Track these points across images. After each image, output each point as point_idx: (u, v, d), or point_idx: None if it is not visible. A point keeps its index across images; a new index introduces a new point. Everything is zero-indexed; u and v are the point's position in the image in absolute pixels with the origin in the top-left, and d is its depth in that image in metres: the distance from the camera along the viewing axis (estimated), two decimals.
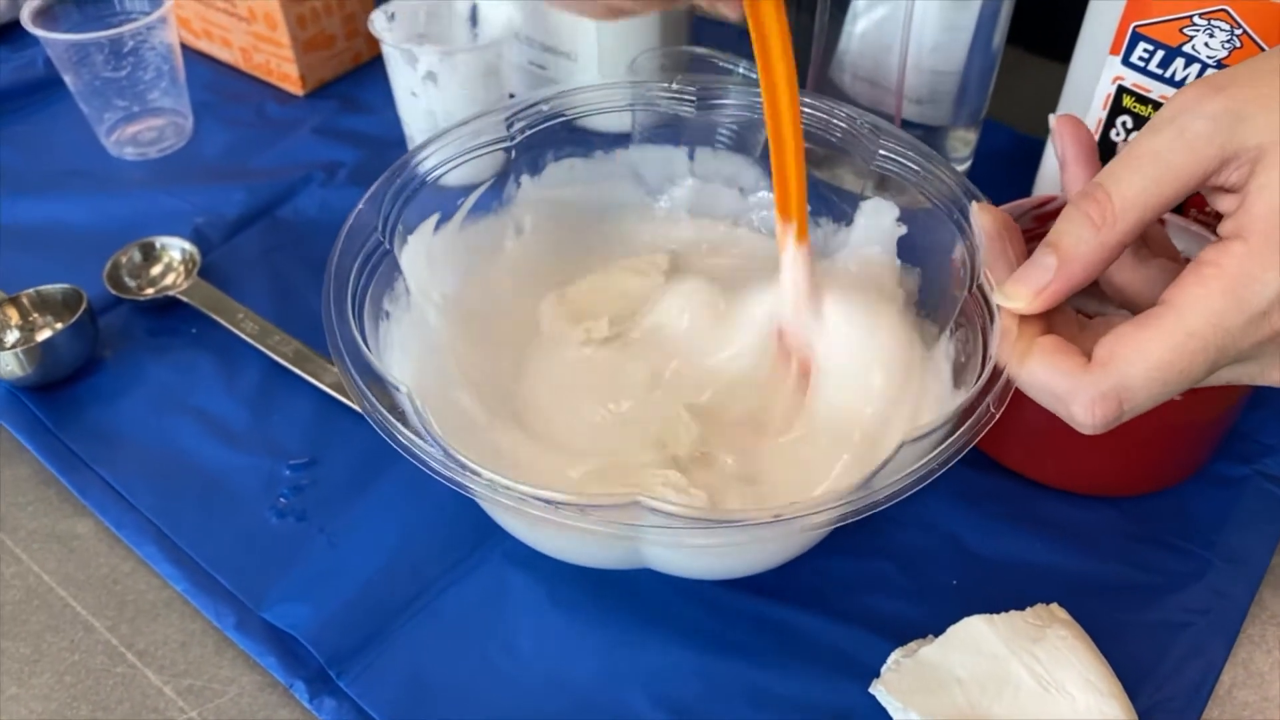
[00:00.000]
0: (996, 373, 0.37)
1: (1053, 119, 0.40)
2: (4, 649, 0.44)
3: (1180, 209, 0.55)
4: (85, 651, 0.44)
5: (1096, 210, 0.33)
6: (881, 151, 0.48)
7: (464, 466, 0.36)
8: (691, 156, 0.55)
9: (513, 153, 0.51)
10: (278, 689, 0.43)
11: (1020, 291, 0.36)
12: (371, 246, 0.45)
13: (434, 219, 0.49)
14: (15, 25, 0.78)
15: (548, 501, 0.35)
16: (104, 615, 0.45)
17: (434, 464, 0.36)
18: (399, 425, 0.37)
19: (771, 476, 0.44)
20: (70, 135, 0.71)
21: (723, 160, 0.55)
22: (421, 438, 0.37)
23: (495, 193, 0.52)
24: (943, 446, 0.35)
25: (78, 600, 0.46)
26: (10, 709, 0.42)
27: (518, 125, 0.51)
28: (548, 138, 0.52)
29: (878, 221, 0.50)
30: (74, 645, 0.44)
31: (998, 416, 0.36)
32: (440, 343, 0.48)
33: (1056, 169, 0.59)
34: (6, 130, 0.72)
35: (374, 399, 0.38)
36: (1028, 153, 0.61)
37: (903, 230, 0.49)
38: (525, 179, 0.52)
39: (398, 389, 0.38)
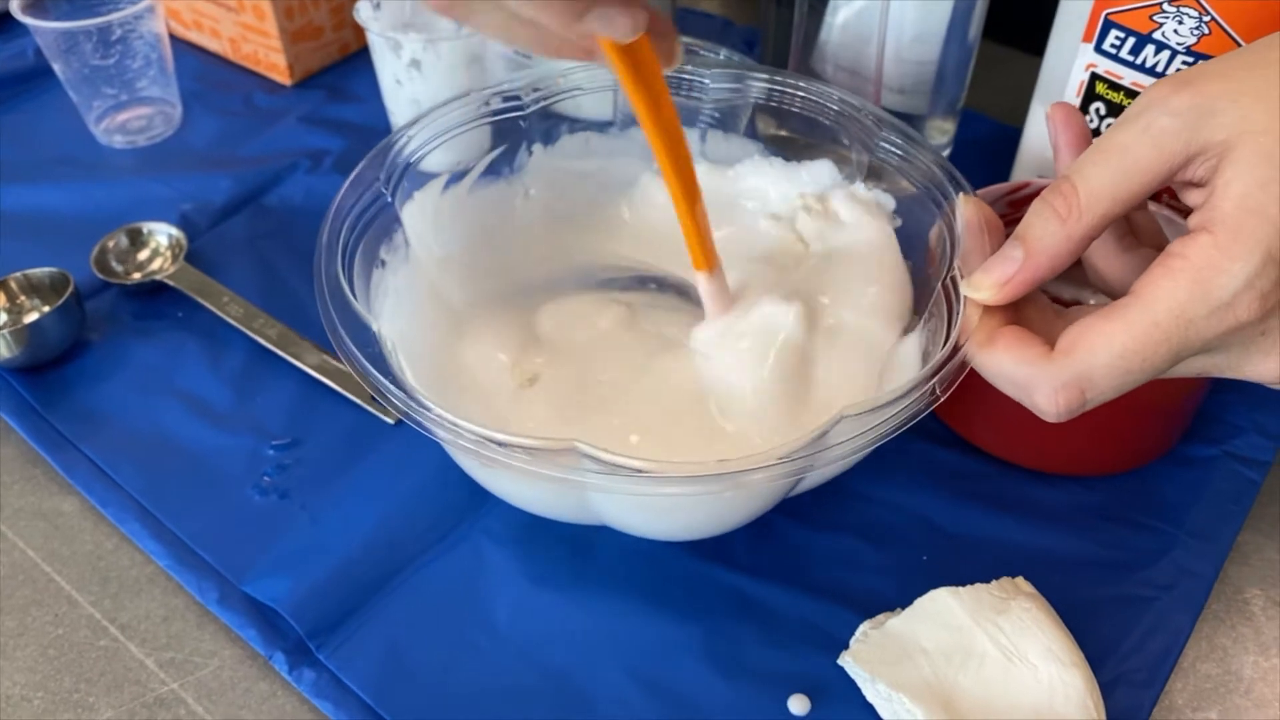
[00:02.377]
0: (948, 357, 0.37)
1: (1049, 107, 0.40)
2: None
3: (1155, 195, 0.56)
4: (69, 625, 0.45)
5: (1063, 204, 0.34)
6: (881, 142, 0.49)
7: (419, 403, 0.37)
8: (703, 139, 0.56)
9: (525, 122, 0.52)
10: (258, 661, 0.44)
11: (986, 282, 0.36)
12: (373, 196, 0.46)
13: (444, 178, 0.50)
14: (5, 16, 0.79)
15: (493, 441, 0.36)
16: (88, 590, 0.46)
17: (386, 393, 0.37)
18: (359, 355, 0.38)
19: None
20: (60, 124, 0.72)
21: (733, 144, 0.56)
22: (388, 375, 0.38)
23: (507, 158, 0.53)
24: (882, 420, 0.36)
25: (62, 575, 0.47)
26: None
27: (532, 95, 0.51)
28: (563, 111, 0.53)
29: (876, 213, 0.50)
30: (58, 619, 0.45)
31: (942, 399, 0.37)
32: (435, 296, 0.49)
33: (1033, 156, 0.60)
34: None
35: (343, 330, 0.39)
36: (1006, 141, 0.61)
37: (898, 223, 0.50)
38: (538, 148, 0.53)
39: (368, 327, 0.40)
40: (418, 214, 0.49)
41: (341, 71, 0.77)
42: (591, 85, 0.53)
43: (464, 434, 0.36)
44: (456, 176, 0.50)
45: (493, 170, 0.52)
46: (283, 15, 0.73)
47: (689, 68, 0.53)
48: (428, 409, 0.37)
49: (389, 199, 0.46)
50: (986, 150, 0.65)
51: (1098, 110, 0.55)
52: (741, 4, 0.86)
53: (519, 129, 0.51)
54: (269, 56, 0.75)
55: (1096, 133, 0.56)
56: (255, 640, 0.44)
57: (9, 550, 0.48)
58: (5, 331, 0.52)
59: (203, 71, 0.77)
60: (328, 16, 0.76)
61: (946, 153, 0.66)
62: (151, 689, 0.43)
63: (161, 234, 0.61)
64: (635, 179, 0.55)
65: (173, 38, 0.73)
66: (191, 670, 0.43)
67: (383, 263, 0.47)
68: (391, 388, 0.38)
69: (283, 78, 0.76)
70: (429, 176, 0.49)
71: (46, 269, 0.57)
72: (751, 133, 0.57)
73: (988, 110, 0.70)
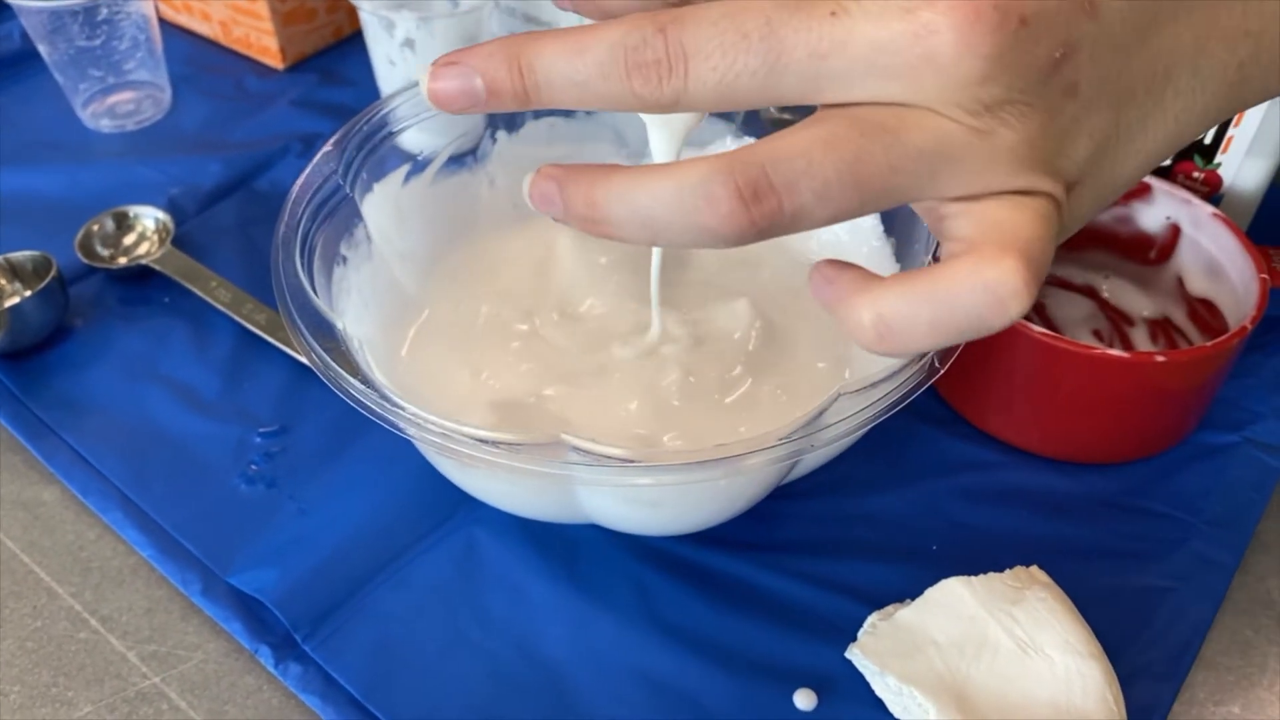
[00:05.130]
0: None
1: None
2: None
3: (1168, 174, 0.54)
4: (48, 618, 0.43)
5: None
6: None
7: (391, 402, 0.35)
8: None
9: None
10: (243, 655, 0.42)
11: None
12: (330, 190, 0.44)
13: (404, 170, 0.48)
14: None
15: (474, 439, 0.34)
16: (68, 582, 0.45)
17: (358, 395, 0.36)
18: (325, 355, 0.37)
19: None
20: (46, 108, 0.70)
21: (702, 126, 0.54)
22: (357, 375, 0.37)
23: (470, 148, 0.51)
24: (882, 396, 0.35)
25: (41, 566, 0.45)
26: None
27: None
28: None
29: None
30: (37, 611, 0.44)
31: (942, 371, 0.35)
32: (401, 291, 0.47)
33: None
34: None
35: (307, 332, 0.38)
36: None
37: None
38: (502, 135, 0.52)
39: (334, 326, 0.38)
40: (378, 207, 0.47)
41: (335, 55, 0.76)
42: None
43: (455, 437, 0.35)
44: (418, 167, 0.49)
45: (455, 159, 0.50)
46: None
47: None
48: (402, 408, 0.36)
49: (348, 191, 0.45)
50: None
51: None
52: None
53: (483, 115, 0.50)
54: (260, 40, 0.74)
55: None
56: (240, 633, 0.42)
57: None
58: None
59: (193, 55, 0.76)
60: None
61: None
62: (133, 683, 0.41)
63: (148, 218, 0.60)
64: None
65: (162, 22, 0.71)
66: (174, 664, 0.42)
67: (344, 259, 0.45)
68: (367, 391, 0.36)
69: (275, 61, 0.74)
70: (390, 167, 0.47)
71: (28, 252, 0.55)
72: (754, 113, 0.55)
73: None
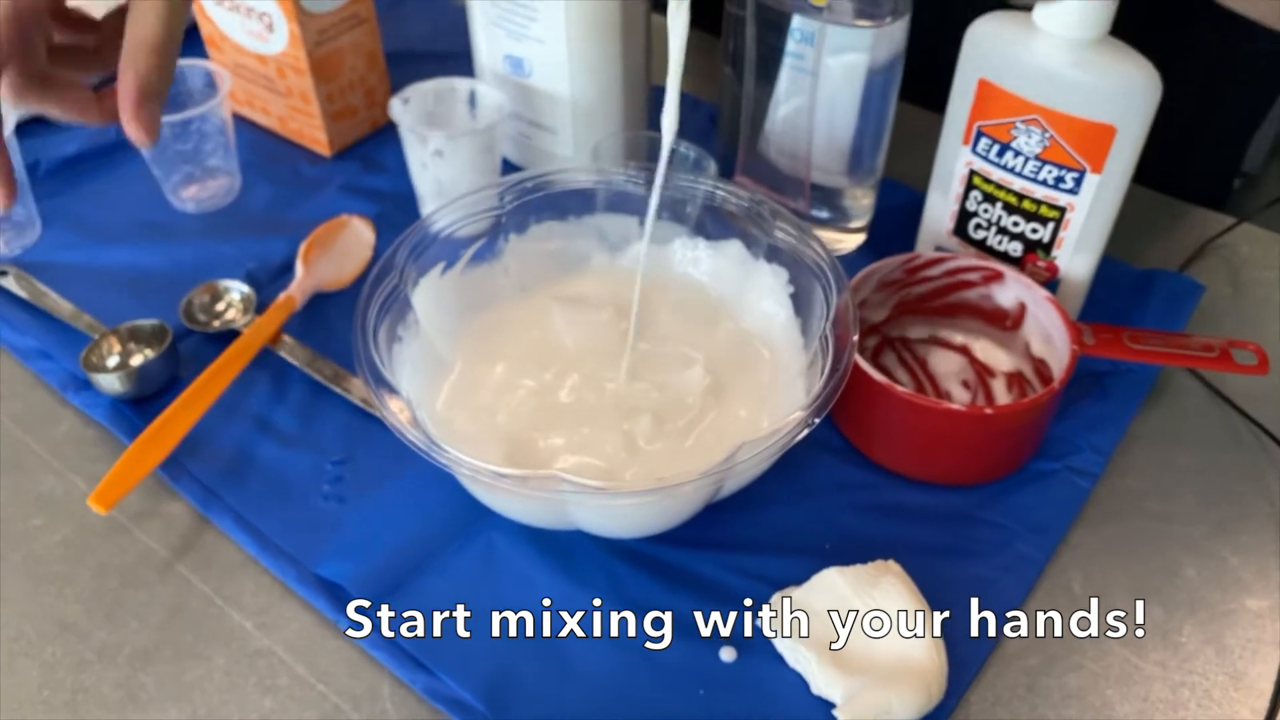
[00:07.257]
0: (815, 398, 0.52)
1: None
2: (126, 595, 0.60)
3: (1020, 263, 0.71)
4: (186, 597, 0.60)
5: None
6: (777, 231, 0.64)
7: (436, 445, 0.52)
8: (642, 223, 0.70)
9: (503, 218, 0.67)
10: (328, 623, 0.58)
11: None
12: (389, 288, 0.61)
13: (440, 266, 0.65)
14: None
15: (494, 473, 0.51)
16: (198, 572, 0.61)
17: (415, 441, 0.52)
18: (394, 413, 0.53)
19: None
20: (140, 191, 0.86)
21: (665, 227, 0.71)
22: (415, 426, 0.53)
23: (489, 246, 0.68)
24: (770, 444, 0.51)
25: (179, 562, 0.62)
26: (135, 638, 0.58)
27: (508, 197, 0.67)
28: (530, 206, 0.68)
29: (774, 283, 0.65)
30: (177, 593, 0.60)
31: (815, 424, 0.52)
32: (439, 357, 0.64)
33: (930, 233, 0.75)
34: (87, 187, 0.87)
35: (381, 395, 0.54)
36: (920, 209, 0.75)
37: (792, 289, 0.65)
38: (513, 236, 0.68)
39: (398, 391, 0.55)
40: (423, 295, 0.64)
41: (372, 144, 0.92)
42: (567, 185, 0.68)
43: (481, 472, 0.51)
44: (451, 263, 0.66)
45: (478, 256, 0.67)
46: (324, 100, 0.87)
47: (645, 173, 0.68)
48: (445, 451, 0.52)
49: (403, 289, 0.61)
50: (902, 216, 0.80)
51: (975, 197, 0.70)
52: (709, 83, 1.00)
53: (498, 221, 0.67)
54: (312, 132, 0.90)
55: (970, 217, 0.71)
56: (325, 608, 0.58)
57: (136, 543, 0.62)
58: (120, 372, 0.67)
59: (256, 144, 0.92)
60: (361, 98, 0.90)
61: (869, 218, 0.81)
62: (250, 643, 0.58)
63: (235, 290, 0.76)
64: (589, 256, 0.71)
65: (234, 114, 0.87)
66: (279, 629, 0.58)
67: (400, 338, 0.62)
68: (421, 437, 0.53)
69: (324, 150, 0.91)
70: (430, 264, 0.64)
71: (149, 320, 0.71)
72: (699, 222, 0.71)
73: (914, 178, 0.84)
